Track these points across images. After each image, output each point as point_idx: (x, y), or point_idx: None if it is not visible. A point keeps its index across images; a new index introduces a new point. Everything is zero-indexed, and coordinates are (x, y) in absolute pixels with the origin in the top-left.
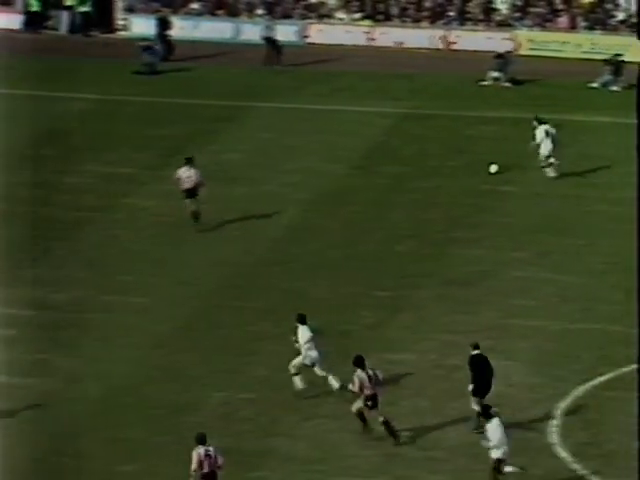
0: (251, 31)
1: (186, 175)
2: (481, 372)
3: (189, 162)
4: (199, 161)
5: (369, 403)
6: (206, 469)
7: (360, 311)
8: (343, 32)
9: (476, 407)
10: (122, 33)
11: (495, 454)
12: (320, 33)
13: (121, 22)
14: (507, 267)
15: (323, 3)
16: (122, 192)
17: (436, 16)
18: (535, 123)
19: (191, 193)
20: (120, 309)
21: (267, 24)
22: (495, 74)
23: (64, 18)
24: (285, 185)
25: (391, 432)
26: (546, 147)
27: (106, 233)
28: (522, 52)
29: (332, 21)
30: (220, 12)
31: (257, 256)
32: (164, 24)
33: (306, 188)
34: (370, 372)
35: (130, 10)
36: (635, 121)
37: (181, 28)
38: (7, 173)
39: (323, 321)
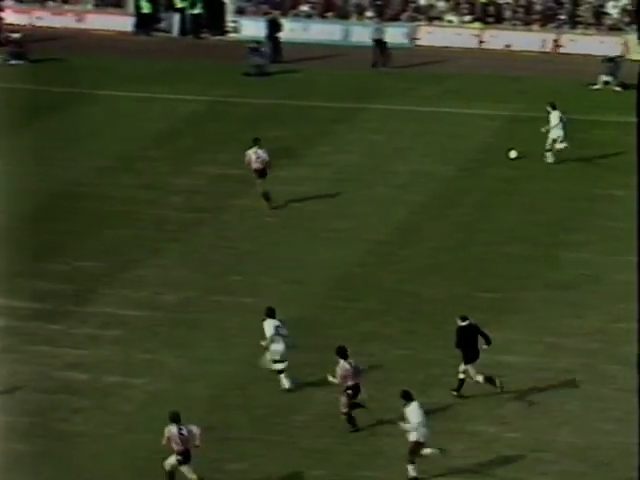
0: (360, 33)
1: (255, 156)
2: (472, 341)
3: (257, 142)
4: (308, 162)
5: (350, 392)
6: (181, 447)
7: (467, 313)
8: (453, 34)
9: (478, 377)
10: (232, 35)
11: (413, 437)
12: (429, 35)
13: (231, 24)
14: (614, 271)
15: (432, 6)
16: (232, 193)
17: (546, 19)
18: (549, 108)
19: (261, 173)
20: (230, 309)
21: (376, 26)
22: (606, 78)
23: (175, 20)
24: (394, 187)
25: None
26: (556, 133)
27: (216, 234)
28: (632, 57)
29: (441, 23)
30: (329, 14)
31: (366, 257)
32: (274, 26)
33: (415, 190)
34: (353, 362)
35: (240, 12)
36: None
37: (291, 30)
38: (119, 175)
39: (430, 321)
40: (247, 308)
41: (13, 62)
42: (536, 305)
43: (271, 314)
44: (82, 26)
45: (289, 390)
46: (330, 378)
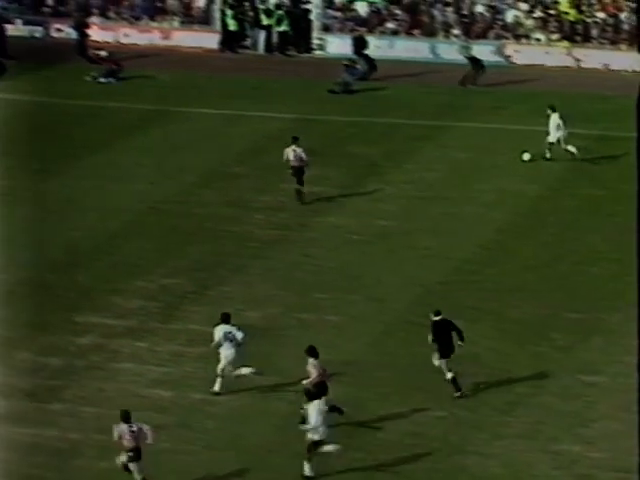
0: (447, 51)
1: (293, 155)
2: (445, 336)
3: (295, 141)
4: (394, 179)
5: (314, 390)
6: (132, 444)
7: (552, 333)
8: (541, 53)
9: (448, 374)
10: (318, 52)
11: (312, 436)
12: (517, 53)
13: (317, 41)
14: None
15: (520, 24)
16: (316, 210)
17: (633, 39)
18: (549, 111)
19: (298, 172)
20: (313, 326)
21: (463, 44)
22: None
23: (261, 37)
24: (480, 205)
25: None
26: (555, 135)
27: (300, 251)
28: None
29: (529, 41)
30: (415, 31)
31: (449, 275)
32: (360, 43)
33: (501, 208)
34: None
35: (326, 29)
36: None
37: (376, 47)
38: (204, 192)
39: (514, 341)
40: (331, 325)
41: (102, 80)
42: (622, 325)
43: (225, 319)
44: (168, 43)
45: (217, 394)
46: (304, 382)
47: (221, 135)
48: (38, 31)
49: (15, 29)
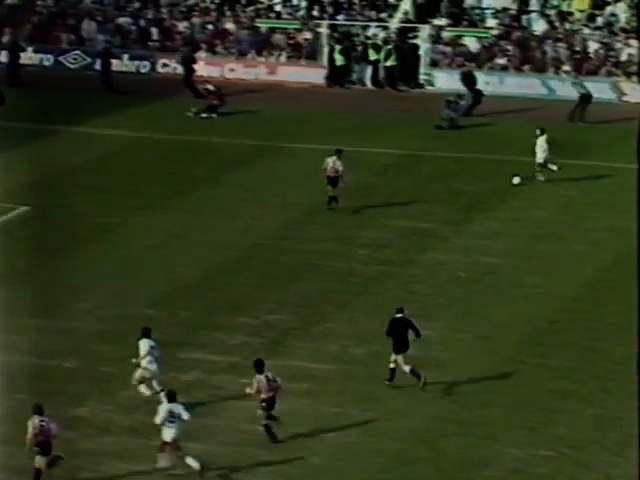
0: (557, 87)
1: (332, 165)
2: (401, 333)
3: (338, 153)
4: (500, 217)
5: (264, 405)
6: (41, 438)
7: None
8: None
9: (405, 367)
10: (426, 87)
11: (165, 435)
12: (629, 91)
13: (425, 76)
14: None
15: (632, 62)
16: (422, 247)
17: None
18: (538, 132)
19: (333, 181)
20: (419, 364)
21: (574, 80)
22: None
23: (367, 72)
24: (589, 243)
25: (269, 433)
26: (542, 155)
27: (405, 288)
28: None
29: None
30: (525, 67)
31: (557, 314)
32: (469, 78)
33: (610, 246)
34: (270, 376)
35: (434, 64)
36: None
37: (486, 83)
38: (308, 227)
39: (623, 380)
40: (436, 362)
41: (204, 115)
42: None
43: (146, 334)
44: (274, 78)
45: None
46: (247, 390)
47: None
48: (144, 66)
49: (121, 64)
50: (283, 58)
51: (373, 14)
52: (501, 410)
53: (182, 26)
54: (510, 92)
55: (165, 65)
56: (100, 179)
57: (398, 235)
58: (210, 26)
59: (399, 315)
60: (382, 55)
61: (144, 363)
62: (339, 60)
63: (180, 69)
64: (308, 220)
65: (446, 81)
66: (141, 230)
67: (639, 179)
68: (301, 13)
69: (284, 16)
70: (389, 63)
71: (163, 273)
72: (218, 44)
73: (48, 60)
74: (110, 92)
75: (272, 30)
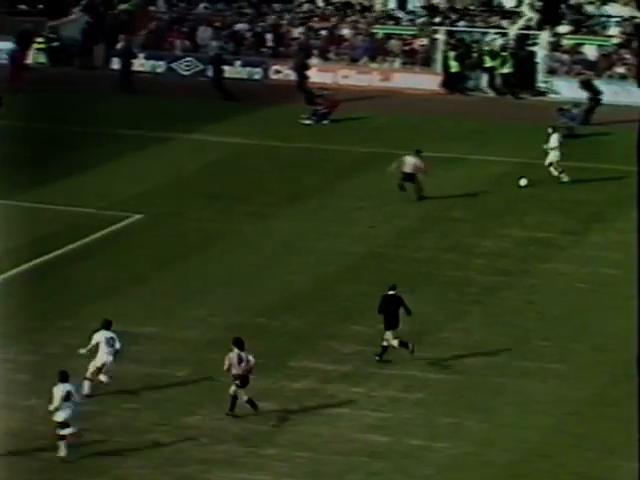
0: None
1: (410, 162)
2: (391, 310)
3: (418, 153)
4: (619, 227)
5: (237, 382)
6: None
7: None
8: None
9: (393, 342)
10: (543, 95)
11: (56, 417)
12: None
13: (542, 84)
14: None
15: None
16: (539, 256)
17: None
18: (550, 130)
19: (409, 177)
20: (535, 375)
21: None
22: None
23: (483, 79)
24: None
25: (253, 407)
26: (556, 155)
27: (522, 298)
28: None
29: None
30: None
31: None
32: (588, 86)
33: None
34: (243, 355)
35: (552, 72)
36: None
37: (606, 92)
38: (423, 236)
39: None
40: (553, 374)
41: (315, 122)
42: None
43: (107, 326)
44: (388, 85)
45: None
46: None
47: (440, 179)
48: (257, 72)
49: (233, 71)
50: (397, 64)
51: (493, 21)
52: (619, 423)
53: (297, 32)
54: (630, 101)
55: (278, 72)
56: (213, 186)
57: (515, 245)
58: (324, 32)
59: (391, 292)
60: (498, 62)
61: (102, 354)
62: (454, 67)
63: (293, 75)
64: (424, 229)
65: (566, 89)
66: (254, 238)
67: (639, 179)
68: (420, 20)
69: (403, 22)
70: (505, 70)
71: (276, 281)
72: (331, 50)
73: (160, 67)
74: (223, 98)
75: (388, 36)
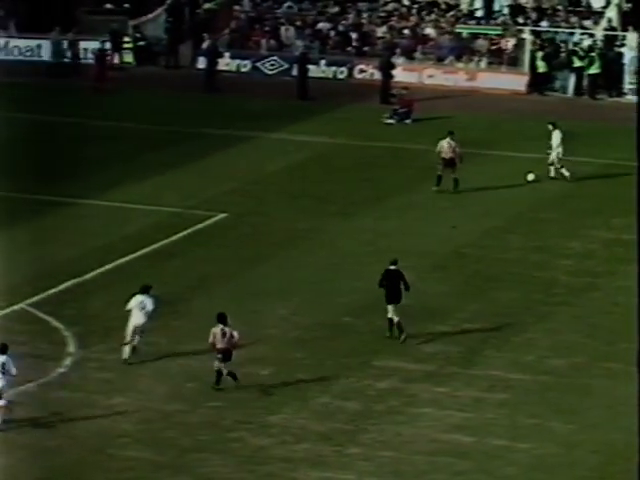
0: None
1: (447, 146)
2: (393, 284)
3: (451, 134)
4: None
5: (219, 356)
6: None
7: None
8: None
9: (394, 316)
10: (629, 97)
11: None
12: None
13: (629, 85)
14: None
15: None
16: (626, 258)
17: None
18: (550, 127)
19: (450, 163)
20: (621, 377)
21: None
22: None
23: (570, 80)
24: None
25: (234, 378)
26: (558, 152)
27: (609, 299)
28: None
29: None
30: None
31: None
32: None
33: None
34: (226, 330)
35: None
36: None
37: None
38: (509, 236)
39: None
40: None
41: (397, 121)
42: None
43: (144, 290)
44: (474, 85)
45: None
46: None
47: (524, 179)
48: (341, 72)
49: (318, 70)
50: (483, 64)
51: (576, 20)
52: None
53: (381, 31)
54: None
55: (362, 71)
56: (297, 185)
57: (602, 246)
58: (408, 31)
59: (393, 267)
60: (586, 62)
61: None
62: (541, 67)
63: (377, 75)
64: (510, 229)
65: None
66: (338, 237)
67: (639, 178)
68: (503, 19)
69: (486, 21)
70: (593, 71)
71: (360, 280)
72: (416, 50)
73: (245, 66)
74: (304, 99)
75: (474, 36)
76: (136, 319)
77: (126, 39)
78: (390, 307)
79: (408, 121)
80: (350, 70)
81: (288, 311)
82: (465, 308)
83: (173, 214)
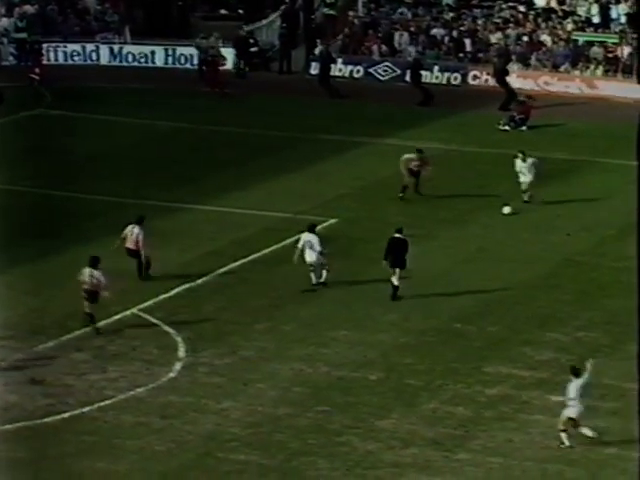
0: None
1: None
2: (397, 251)
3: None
4: None
5: (86, 296)
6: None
7: None
8: None
9: (395, 280)
10: None
11: None
12: None
13: None
14: None
15: None
16: None
17: None
18: (521, 155)
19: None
20: None
21: None
22: None
23: None
24: None
25: (91, 321)
26: (528, 179)
27: None
28: None
29: None
30: None
31: None
32: None
33: None
34: (95, 273)
35: None
36: None
37: None
38: (623, 244)
39: None
40: None
41: (512, 127)
42: None
43: (310, 229)
44: (590, 92)
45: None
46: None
47: None
48: (455, 78)
49: (432, 76)
50: (599, 72)
51: None
52: None
53: (495, 37)
54: None
55: (476, 77)
56: (409, 191)
57: None
58: (525, 38)
59: (397, 235)
60: None
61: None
62: None
63: (491, 81)
64: (624, 237)
65: None
66: (450, 243)
67: (639, 178)
68: (620, 27)
69: (602, 29)
70: None
71: (471, 286)
72: (531, 57)
73: (358, 72)
74: (426, 105)
75: (589, 43)
76: (308, 257)
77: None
78: (395, 271)
79: (524, 128)
80: (464, 76)
81: (398, 316)
82: (577, 316)
83: (284, 219)
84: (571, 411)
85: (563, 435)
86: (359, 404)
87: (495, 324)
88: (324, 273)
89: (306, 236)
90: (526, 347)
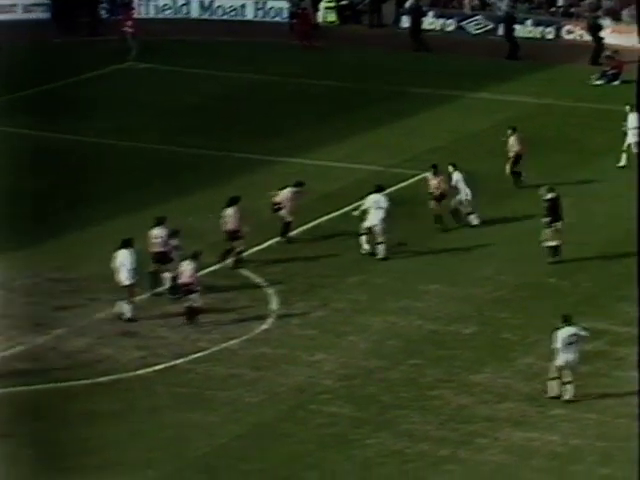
0: None
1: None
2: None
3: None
4: None
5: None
6: None
7: None
8: None
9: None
10: None
11: None
12: None
13: None
14: None
15: None
16: None
17: None
18: (628, 108)
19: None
20: None
21: None
22: None
23: None
24: None
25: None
26: (635, 134)
27: None
28: None
29: None
30: None
31: None
32: None
33: None
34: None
35: None
36: None
37: None
38: None
39: None
40: None
41: (603, 82)
42: None
43: (378, 189)
44: None
45: None
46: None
47: None
48: (549, 32)
49: (525, 30)
50: None
51: None
52: None
53: None
54: None
55: (570, 32)
56: (500, 145)
57: None
58: None
59: (553, 194)
60: None
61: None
62: None
63: (586, 36)
64: None
65: None
66: (540, 200)
67: (639, 172)
68: None
69: None
70: None
71: (567, 242)
72: (622, 11)
73: (450, 25)
74: (513, 58)
75: None
76: (374, 217)
77: None
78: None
79: (616, 82)
80: (558, 30)
81: (492, 270)
82: None
83: (375, 172)
84: None
85: None
86: (452, 358)
87: (590, 280)
88: (381, 248)
89: (373, 197)
90: (622, 302)
